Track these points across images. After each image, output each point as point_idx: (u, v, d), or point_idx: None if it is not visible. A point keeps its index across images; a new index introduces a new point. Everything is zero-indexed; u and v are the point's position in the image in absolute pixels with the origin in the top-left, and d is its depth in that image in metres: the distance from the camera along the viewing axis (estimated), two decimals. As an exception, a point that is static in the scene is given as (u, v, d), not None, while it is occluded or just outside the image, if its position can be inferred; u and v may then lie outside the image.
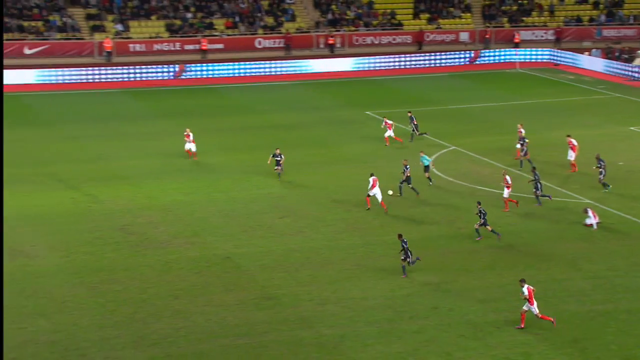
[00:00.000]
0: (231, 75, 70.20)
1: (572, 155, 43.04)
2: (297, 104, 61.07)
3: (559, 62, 75.46)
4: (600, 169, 40.30)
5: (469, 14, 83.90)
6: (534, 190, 38.41)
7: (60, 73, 66.94)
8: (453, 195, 39.99)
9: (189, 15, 77.74)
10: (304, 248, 33.89)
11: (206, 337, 26.84)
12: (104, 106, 59.83)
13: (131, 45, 74.22)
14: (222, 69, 70.37)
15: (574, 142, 43.11)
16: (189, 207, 38.44)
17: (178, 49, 74.93)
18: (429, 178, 41.00)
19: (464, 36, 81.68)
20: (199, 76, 69.50)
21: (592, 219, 35.57)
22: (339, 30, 79.67)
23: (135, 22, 76.44)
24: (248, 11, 79.47)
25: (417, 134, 49.20)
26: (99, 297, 29.50)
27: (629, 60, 71.86)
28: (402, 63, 74.48)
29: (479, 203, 34.82)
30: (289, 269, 31.90)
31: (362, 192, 40.34)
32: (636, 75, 68.53)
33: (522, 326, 27.20)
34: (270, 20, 79.39)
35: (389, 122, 48.22)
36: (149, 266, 32.13)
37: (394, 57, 74.65)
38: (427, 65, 74.83)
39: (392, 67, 73.84)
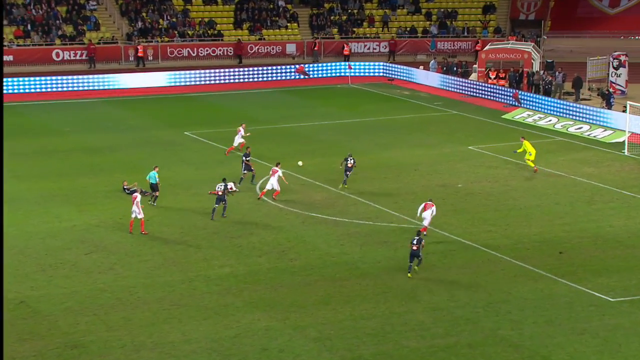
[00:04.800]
0: (25, 91, 68.08)
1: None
2: (106, 123, 59.92)
3: (393, 77, 77.59)
4: None
5: (295, 24, 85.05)
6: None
7: None
8: (284, 224, 40.26)
9: (-25, 22, 75.03)
10: (115, 287, 33.15)
11: (0, 396, 25.68)
12: None
13: None
14: (14, 85, 68.06)
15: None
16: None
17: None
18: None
19: (290, 48, 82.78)
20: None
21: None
22: (150, 41, 78.97)
23: None
24: (42, 18, 77.33)
25: None
26: None
27: (465, 75, 74.84)
28: (224, 78, 74.61)
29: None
30: (98, 312, 31.10)
31: (184, 221, 39.93)
32: (471, 91, 71.39)
33: None
34: (69, 29, 77.60)
35: None
36: None
37: (214, 71, 74.67)
38: (252, 80, 75.28)
39: (212, 82, 73.88)
